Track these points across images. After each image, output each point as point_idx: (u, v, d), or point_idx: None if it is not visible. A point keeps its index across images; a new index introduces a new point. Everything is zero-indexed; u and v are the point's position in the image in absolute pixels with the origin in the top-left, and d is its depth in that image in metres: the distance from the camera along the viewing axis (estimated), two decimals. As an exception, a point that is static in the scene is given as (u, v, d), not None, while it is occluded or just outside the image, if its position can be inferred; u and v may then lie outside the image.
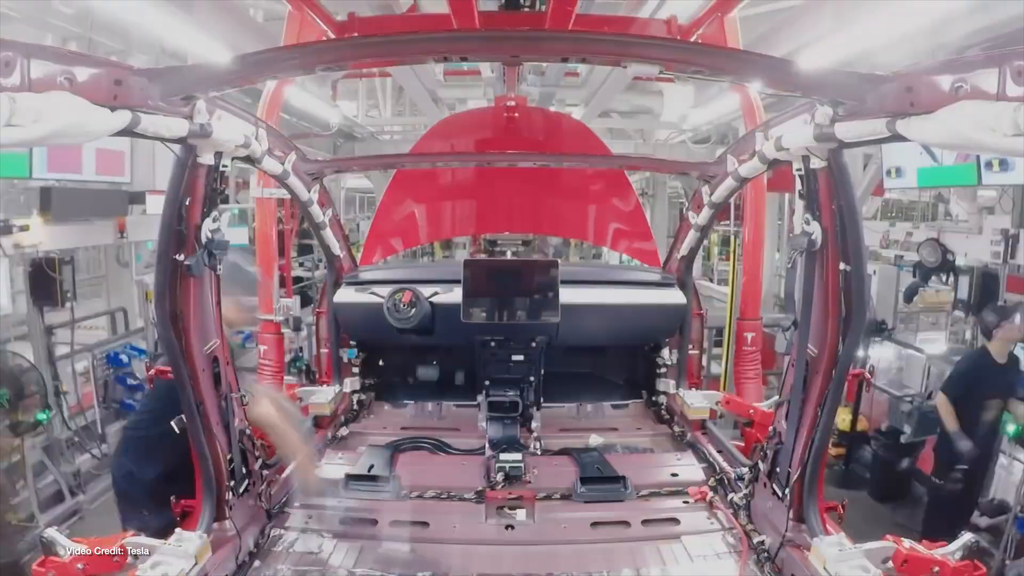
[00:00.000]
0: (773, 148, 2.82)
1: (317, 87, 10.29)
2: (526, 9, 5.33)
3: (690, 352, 5.04)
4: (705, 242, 5.56)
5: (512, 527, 3.43)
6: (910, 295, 8.87)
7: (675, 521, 3.46)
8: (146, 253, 8.75)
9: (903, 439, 7.40)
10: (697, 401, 4.61)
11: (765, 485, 3.30)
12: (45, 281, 6.50)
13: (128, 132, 2.01)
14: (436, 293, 4.59)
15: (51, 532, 2.53)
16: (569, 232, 6.79)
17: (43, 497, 6.58)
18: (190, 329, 2.80)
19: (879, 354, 8.45)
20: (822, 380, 2.88)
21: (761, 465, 3.37)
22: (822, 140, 2.38)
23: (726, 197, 3.91)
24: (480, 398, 4.66)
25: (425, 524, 3.41)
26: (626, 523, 3.45)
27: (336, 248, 4.67)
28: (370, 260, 5.72)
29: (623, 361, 5.31)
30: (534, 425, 4.57)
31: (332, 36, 5.44)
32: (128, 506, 3.65)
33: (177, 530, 2.76)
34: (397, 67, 8.74)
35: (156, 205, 7.29)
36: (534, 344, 4.60)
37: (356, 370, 5.07)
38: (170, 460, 3.31)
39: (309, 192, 3.96)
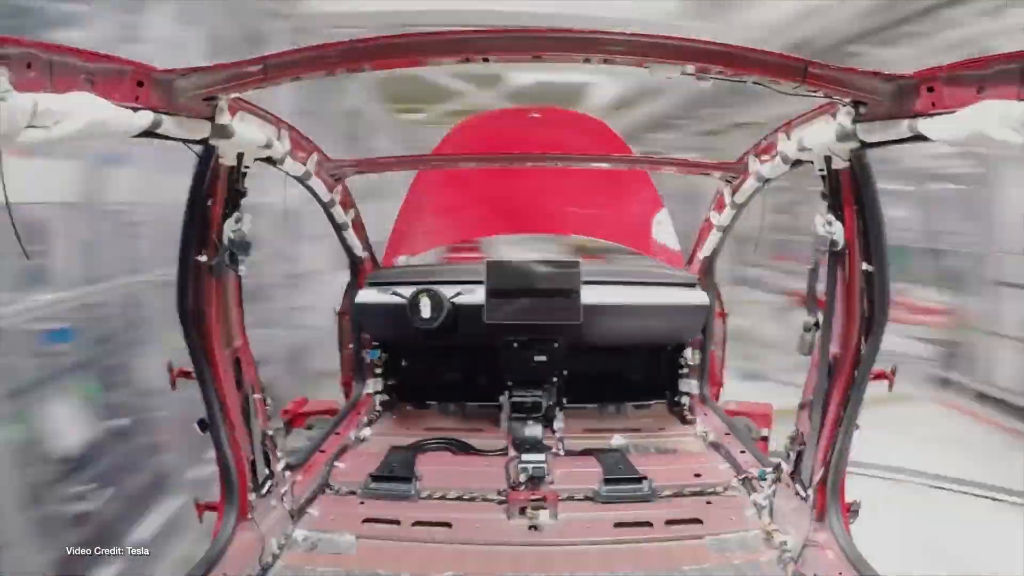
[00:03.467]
0: (795, 148, 2.82)
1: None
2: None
3: (712, 352, 5.02)
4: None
5: (535, 528, 3.43)
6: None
7: (698, 521, 3.45)
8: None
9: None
10: None
11: (788, 485, 3.29)
12: None
13: (150, 133, 2.03)
14: (459, 294, 4.60)
15: None
16: (593, 232, 6.75)
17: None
18: (212, 330, 2.83)
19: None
20: (845, 380, 2.86)
21: (784, 465, 3.36)
22: (844, 140, 2.37)
23: (749, 197, 3.90)
24: (503, 399, 4.67)
25: (448, 525, 3.42)
26: (649, 524, 3.44)
27: (358, 249, 4.69)
28: (392, 261, 5.75)
29: (646, 361, 5.29)
30: (557, 426, 4.57)
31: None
32: None
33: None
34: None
35: None
36: (556, 345, 4.59)
37: (378, 371, 5.10)
38: None
39: (331, 193, 3.99)
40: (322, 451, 4.10)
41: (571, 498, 3.68)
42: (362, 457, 4.19)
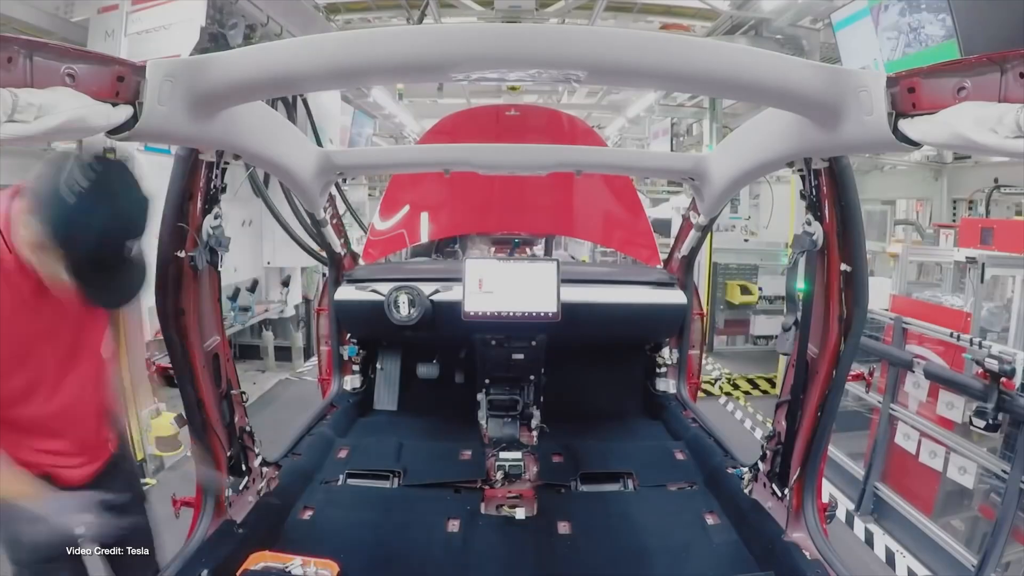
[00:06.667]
0: None
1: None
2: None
3: (690, 352, 5.04)
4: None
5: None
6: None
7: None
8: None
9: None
10: None
11: (765, 485, 3.31)
12: None
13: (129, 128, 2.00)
14: (437, 291, 4.58)
15: None
16: (570, 231, 6.76)
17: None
18: (191, 326, 2.80)
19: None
20: (822, 381, 2.88)
21: (761, 465, 3.37)
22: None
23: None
24: (480, 396, 4.66)
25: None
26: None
27: (337, 246, 4.67)
28: (371, 258, 5.72)
29: (623, 360, 5.31)
30: (534, 423, 4.57)
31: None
32: None
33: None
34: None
35: None
36: (534, 343, 4.58)
37: (356, 368, 5.08)
38: None
39: None
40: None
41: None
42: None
